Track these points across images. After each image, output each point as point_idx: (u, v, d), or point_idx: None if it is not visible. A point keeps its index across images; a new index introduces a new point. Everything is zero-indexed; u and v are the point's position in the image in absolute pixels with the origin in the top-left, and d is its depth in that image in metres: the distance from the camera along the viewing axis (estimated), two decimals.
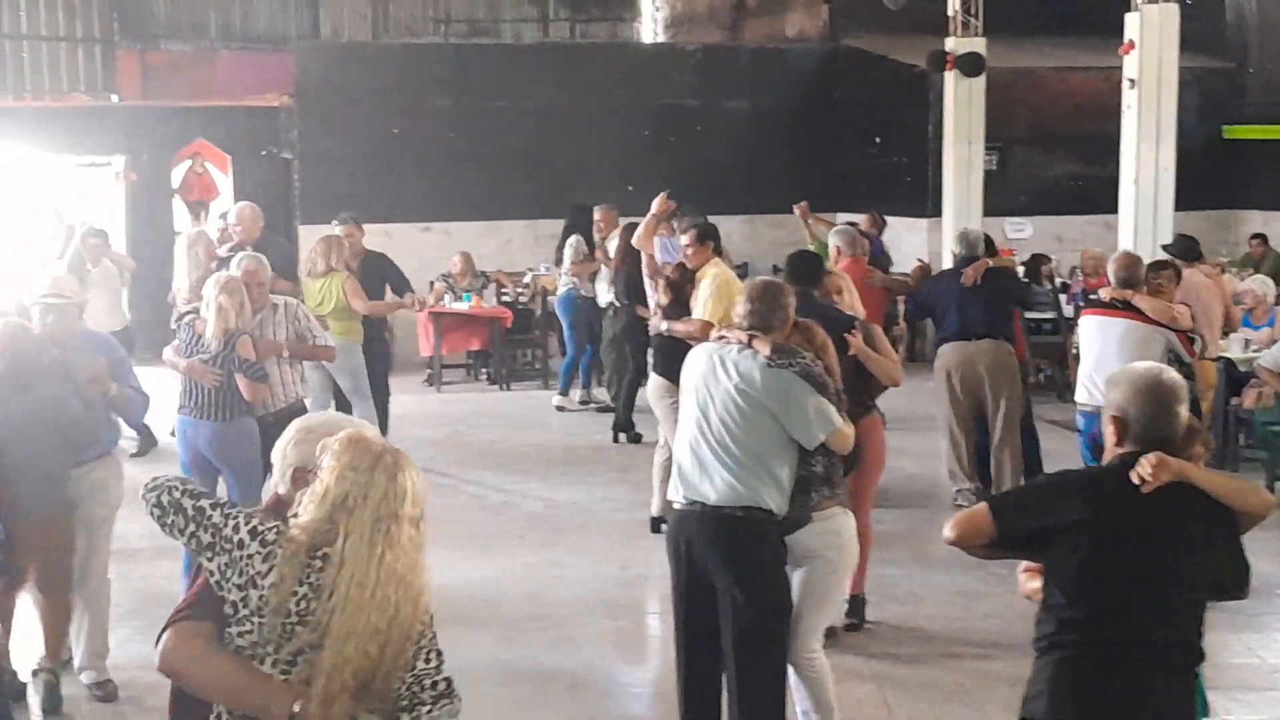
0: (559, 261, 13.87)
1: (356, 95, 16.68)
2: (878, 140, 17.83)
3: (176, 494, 3.37)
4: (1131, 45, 12.64)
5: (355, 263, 11.05)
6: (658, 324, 9.39)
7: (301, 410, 7.80)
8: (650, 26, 24.07)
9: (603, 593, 8.33)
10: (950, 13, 15.34)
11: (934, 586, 8.42)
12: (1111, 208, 13.38)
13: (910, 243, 17.07)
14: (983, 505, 4.08)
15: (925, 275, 11.20)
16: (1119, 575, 3.87)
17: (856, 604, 7.69)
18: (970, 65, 15.09)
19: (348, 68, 17.10)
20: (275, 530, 3.29)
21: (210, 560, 3.29)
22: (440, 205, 16.64)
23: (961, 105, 15.25)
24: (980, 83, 15.22)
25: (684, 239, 9.42)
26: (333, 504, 3.27)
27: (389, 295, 11.39)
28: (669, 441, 8.58)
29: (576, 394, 13.91)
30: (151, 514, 3.41)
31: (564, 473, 11.31)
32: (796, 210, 13.30)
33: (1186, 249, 10.76)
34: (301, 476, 3.43)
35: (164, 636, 3.32)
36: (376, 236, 16.35)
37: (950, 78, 15.28)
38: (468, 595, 8.19)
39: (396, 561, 3.27)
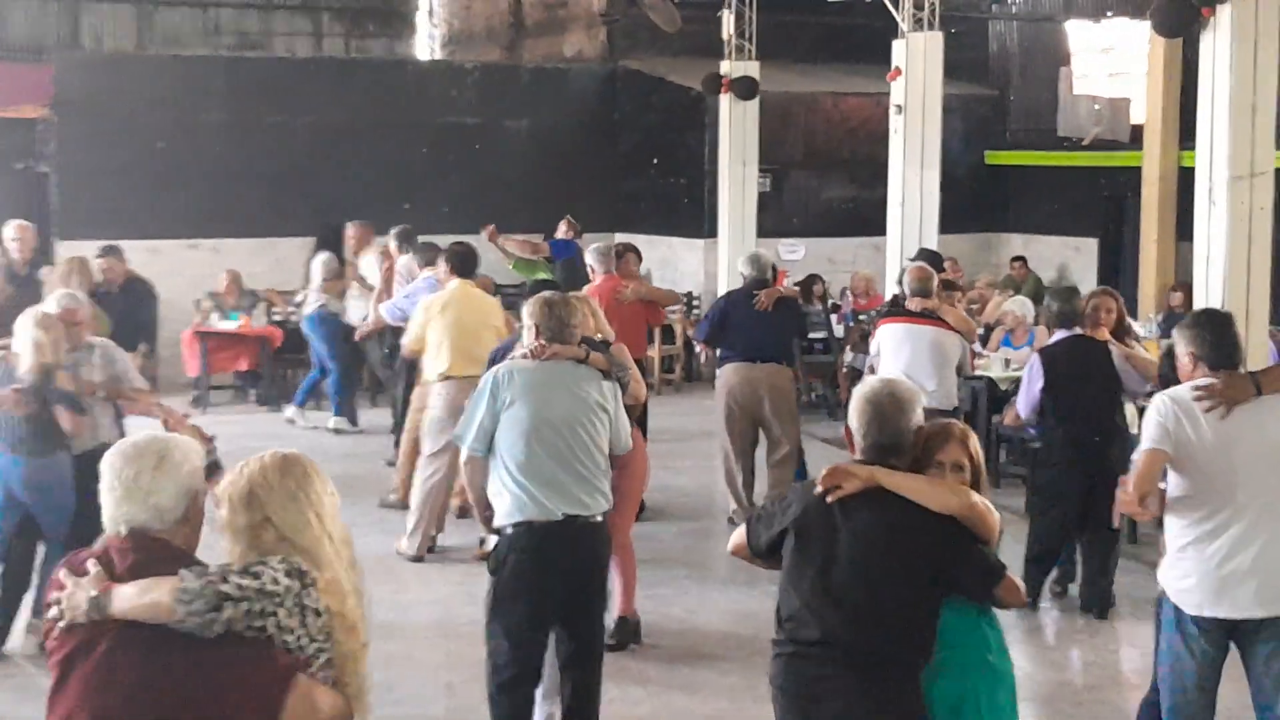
0: (309, 279, 13.62)
1: (120, 107, 16.11)
2: (656, 161, 17.99)
3: (224, 587, 3.16)
4: (898, 72, 12.97)
5: (116, 290, 10.61)
6: None
7: None
8: (426, 44, 23.87)
9: (377, 616, 8.14)
10: (725, 37, 15.55)
11: (711, 603, 8.46)
12: (881, 230, 13.71)
13: (689, 263, 17.26)
14: (746, 521, 4.47)
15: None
16: (812, 582, 4.10)
17: (626, 625, 7.62)
18: (744, 89, 15.31)
19: (111, 79, 16.51)
20: (294, 559, 3.31)
21: (271, 619, 3.19)
22: (209, 221, 16.17)
23: (736, 128, 15.46)
24: (754, 106, 15.46)
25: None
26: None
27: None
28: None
29: (312, 413, 13.63)
30: (209, 620, 3.12)
31: (342, 493, 11.04)
32: (484, 234, 13.11)
33: (930, 261, 11.15)
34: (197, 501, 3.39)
35: (292, 700, 3.17)
36: (141, 254, 15.87)
37: (725, 101, 15.49)
38: None
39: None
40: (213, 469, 3.73)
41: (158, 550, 3.27)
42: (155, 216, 15.90)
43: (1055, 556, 8.35)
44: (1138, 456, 5.12)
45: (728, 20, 15.52)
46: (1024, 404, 8.33)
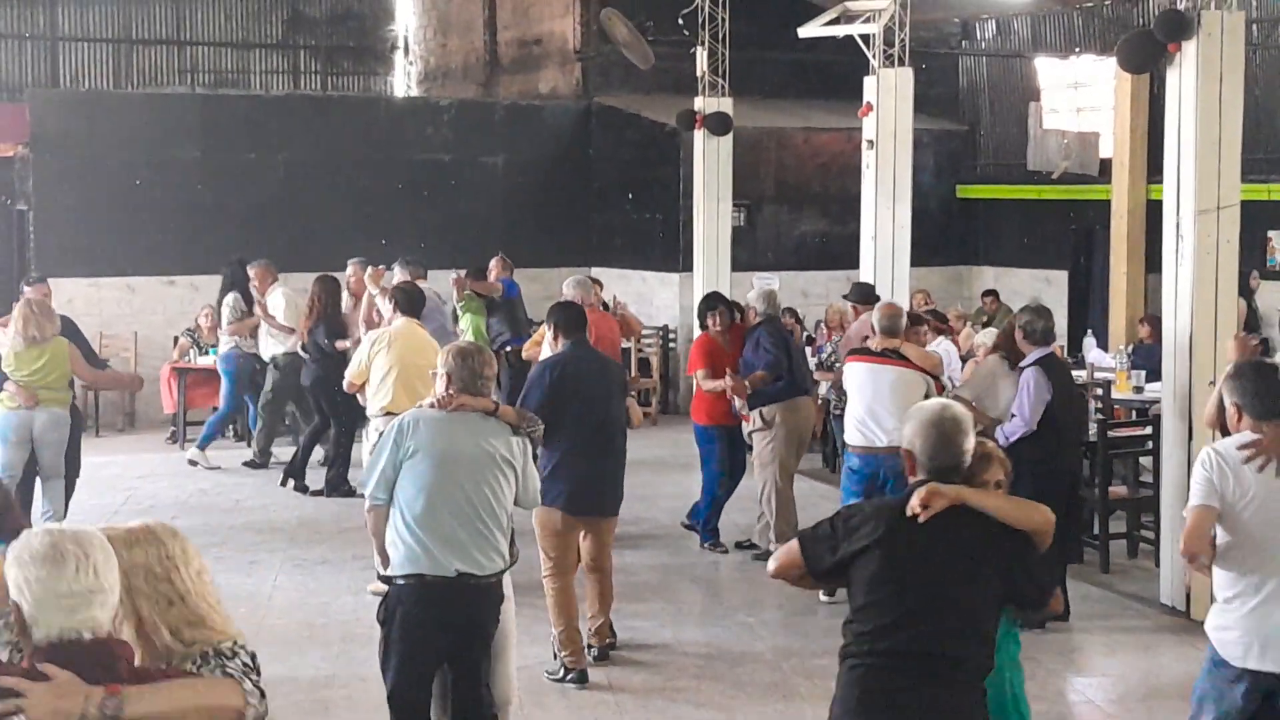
0: (220, 317, 13.68)
1: (97, 145, 16.17)
2: (630, 196, 18.11)
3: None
4: (870, 107, 13.09)
5: None
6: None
7: None
8: (403, 81, 24.00)
9: (351, 654, 8.19)
10: (699, 73, 15.69)
11: (687, 636, 8.51)
12: (854, 263, 13.81)
13: (663, 297, 17.36)
14: (795, 540, 4.43)
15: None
16: (899, 593, 4.19)
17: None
18: (718, 124, 15.44)
19: (88, 117, 16.56)
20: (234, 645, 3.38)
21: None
22: (186, 258, 16.21)
23: (710, 163, 15.57)
24: (728, 141, 15.58)
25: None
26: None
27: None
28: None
29: (215, 451, 13.65)
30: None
31: (314, 531, 11.11)
32: (452, 283, 13.12)
33: (864, 294, 11.32)
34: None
35: None
36: (118, 290, 15.96)
37: (699, 136, 15.61)
38: None
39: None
40: None
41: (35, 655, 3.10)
42: (133, 253, 15.95)
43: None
44: (1186, 513, 5.12)
45: (701, 57, 15.65)
46: (1030, 416, 8.25)
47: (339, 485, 12.21)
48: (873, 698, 4.19)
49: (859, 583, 4.26)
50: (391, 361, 9.39)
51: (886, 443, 8.69)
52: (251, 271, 13.49)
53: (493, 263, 13.88)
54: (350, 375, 9.69)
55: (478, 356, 5.98)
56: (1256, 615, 4.98)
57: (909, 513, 4.19)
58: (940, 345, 12.48)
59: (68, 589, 3.00)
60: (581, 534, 7.80)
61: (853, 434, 9.13)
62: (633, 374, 15.71)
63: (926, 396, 9.25)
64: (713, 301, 10.72)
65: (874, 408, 8.95)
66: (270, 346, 13.27)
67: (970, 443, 4.37)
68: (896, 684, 4.16)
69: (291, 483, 12.41)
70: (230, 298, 13.44)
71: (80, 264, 15.81)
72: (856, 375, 9.21)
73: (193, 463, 13.38)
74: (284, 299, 13.15)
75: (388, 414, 9.17)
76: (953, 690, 4.18)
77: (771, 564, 4.47)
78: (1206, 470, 5.03)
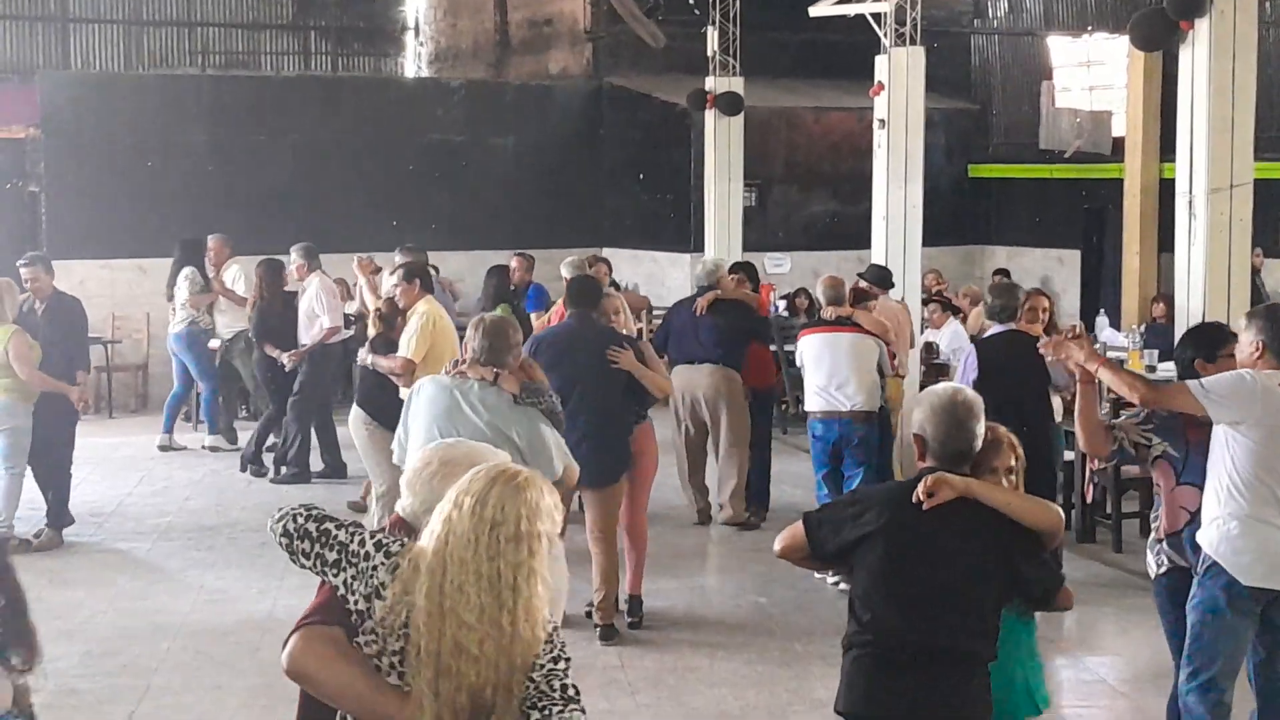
0: (171, 296, 13.57)
1: (108, 127, 16.18)
2: (641, 177, 18.09)
3: (301, 519, 3.40)
4: (881, 87, 13.06)
5: (41, 307, 10.15)
6: (364, 356, 9.66)
7: None
8: (414, 62, 23.97)
9: None
10: (710, 53, 15.66)
11: (697, 613, 8.53)
12: (865, 243, 13.79)
13: (674, 277, 17.34)
14: (800, 522, 4.38)
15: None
16: (902, 583, 4.16)
17: (636, 603, 8.19)
18: (729, 104, 15.42)
19: (99, 99, 16.57)
20: (400, 543, 3.31)
21: (336, 575, 3.32)
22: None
23: (721, 143, 15.56)
24: (739, 121, 15.56)
25: (393, 278, 9.87)
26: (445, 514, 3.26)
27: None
28: (377, 473, 9.20)
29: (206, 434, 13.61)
30: (280, 544, 3.42)
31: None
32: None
33: (881, 277, 11.40)
34: None
35: (292, 639, 3.30)
36: (130, 272, 15.98)
37: (710, 116, 15.59)
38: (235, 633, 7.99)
39: (510, 574, 3.16)
40: None
41: (402, 533, 3.47)
42: (144, 235, 15.95)
43: None
44: (1181, 383, 5.41)
45: (712, 37, 15.63)
46: None
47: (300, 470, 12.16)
48: (876, 688, 4.19)
49: (861, 569, 4.24)
50: (450, 337, 9.44)
51: (849, 407, 9.14)
52: (210, 242, 13.47)
53: (513, 263, 13.07)
54: (413, 354, 9.16)
55: (495, 327, 6.11)
56: (1272, 536, 5.28)
57: (914, 499, 4.16)
58: (950, 326, 12.55)
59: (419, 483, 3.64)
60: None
61: (814, 401, 9.38)
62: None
63: (878, 363, 9.41)
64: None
65: (835, 374, 9.21)
66: (226, 322, 13.30)
67: (981, 428, 4.33)
68: (897, 675, 4.16)
69: (250, 469, 12.24)
70: (188, 271, 13.38)
71: (92, 246, 15.83)
72: (813, 346, 9.46)
73: (212, 448, 13.37)
74: (240, 272, 13.20)
75: None
76: (953, 681, 4.16)
77: (777, 544, 4.41)
78: (1241, 388, 5.25)
